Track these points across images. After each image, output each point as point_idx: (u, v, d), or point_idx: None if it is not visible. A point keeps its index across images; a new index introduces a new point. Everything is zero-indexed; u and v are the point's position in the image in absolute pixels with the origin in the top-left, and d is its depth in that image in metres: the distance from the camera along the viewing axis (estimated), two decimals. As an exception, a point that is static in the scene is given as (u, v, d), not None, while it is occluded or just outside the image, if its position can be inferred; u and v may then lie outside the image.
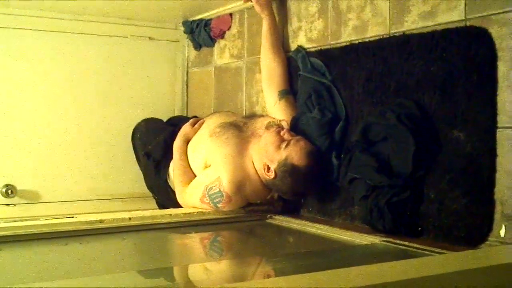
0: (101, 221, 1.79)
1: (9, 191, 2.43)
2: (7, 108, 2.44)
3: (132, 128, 2.54)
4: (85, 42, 2.57)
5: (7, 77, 2.45)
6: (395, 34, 1.68)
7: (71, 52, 2.55)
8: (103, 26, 2.60)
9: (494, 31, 1.42)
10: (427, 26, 1.58)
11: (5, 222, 1.77)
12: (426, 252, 1.43)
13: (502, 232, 1.41)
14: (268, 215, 2.01)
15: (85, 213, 2.31)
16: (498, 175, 1.42)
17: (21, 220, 1.80)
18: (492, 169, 1.42)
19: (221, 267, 1.49)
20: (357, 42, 1.81)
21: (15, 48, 2.45)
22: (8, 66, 2.45)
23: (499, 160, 1.41)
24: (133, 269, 1.46)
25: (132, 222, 1.85)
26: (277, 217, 1.99)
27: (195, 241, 1.87)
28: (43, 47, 2.50)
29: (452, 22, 1.51)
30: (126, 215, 1.87)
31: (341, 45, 1.87)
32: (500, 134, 1.41)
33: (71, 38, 2.54)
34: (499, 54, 1.41)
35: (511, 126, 1.39)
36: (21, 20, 2.44)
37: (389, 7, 1.69)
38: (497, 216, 1.42)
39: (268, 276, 1.32)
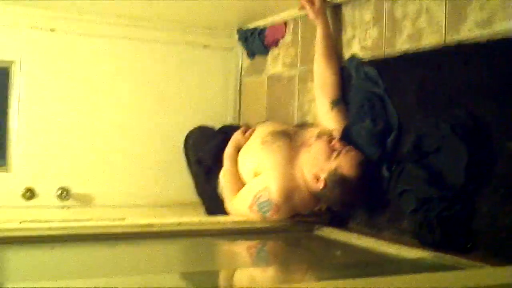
0: (151, 225, 1.82)
1: (64, 193, 2.49)
2: (66, 114, 2.51)
3: (185, 135, 2.57)
4: (142, 49, 2.63)
5: (67, 82, 2.52)
6: (451, 43, 1.64)
7: (128, 58, 2.61)
8: (160, 33, 2.66)
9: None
10: (484, 35, 1.54)
11: (59, 222, 1.82)
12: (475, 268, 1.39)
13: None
14: (316, 227, 1.98)
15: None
16: (555, 190, 1.36)
17: (74, 221, 1.85)
18: (549, 184, 1.37)
19: (264, 274, 1.48)
20: (411, 51, 1.77)
21: (74, 54, 2.52)
22: (69, 71, 2.52)
23: (557, 175, 1.36)
24: (178, 271, 1.47)
25: (181, 228, 1.86)
26: (324, 228, 1.96)
27: (241, 248, 1.87)
28: (102, 54, 2.57)
29: (509, 30, 1.46)
30: (175, 220, 1.89)
31: (396, 53, 1.84)
32: (558, 148, 1.36)
33: (128, 44, 2.61)
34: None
35: None
36: (81, 25, 2.51)
37: (445, 15, 1.65)
38: (553, 233, 1.36)
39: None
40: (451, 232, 1.56)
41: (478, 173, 1.52)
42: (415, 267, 1.53)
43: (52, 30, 2.50)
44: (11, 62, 2.47)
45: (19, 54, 2.47)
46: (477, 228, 1.53)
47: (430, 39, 1.71)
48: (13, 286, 1.22)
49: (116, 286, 1.16)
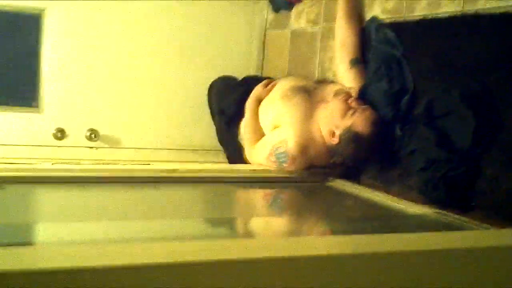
0: (174, 171, 1.94)
1: (93, 135, 2.61)
2: (96, 60, 2.61)
3: (209, 84, 2.68)
4: (170, 3, 2.70)
5: (97, 32, 2.61)
6: (468, 12, 1.70)
7: (156, 11, 2.68)
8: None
9: None
10: (501, 7, 1.60)
11: (89, 165, 1.96)
12: (474, 227, 1.49)
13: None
14: (329, 178, 2.09)
15: (160, 161, 2.51)
16: (554, 159, 1.45)
17: (103, 164, 1.99)
18: (549, 152, 1.46)
19: (277, 222, 1.60)
20: (430, 16, 1.84)
21: (104, 5, 2.60)
22: (99, 22, 2.61)
23: (556, 144, 1.44)
24: (198, 216, 1.60)
25: (202, 174, 1.98)
26: (337, 180, 2.07)
27: (258, 196, 2.00)
28: (128, 6, 2.64)
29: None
30: (198, 166, 2.02)
31: (415, 18, 1.91)
32: (560, 119, 1.44)
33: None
34: None
35: None
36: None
37: (464, -15, 1.71)
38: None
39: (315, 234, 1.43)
40: (455, 191, 1.67)
41: (484, 139, 1.61)
42: (419, 222, 1.64)
43: (83, -20, 2.57)
44: (43, 9, 2.56)
45: (51, 1, 2.55)
46: (479, 189, 1.63)
47: (448, 7, 1.77)
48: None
49: (140, 229, 1.29)
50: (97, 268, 0.74)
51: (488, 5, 1.64)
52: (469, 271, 1.10)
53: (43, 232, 1.34)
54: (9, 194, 1.61)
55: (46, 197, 1.72)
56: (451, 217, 1.59)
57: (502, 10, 1.59)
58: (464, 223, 1.55)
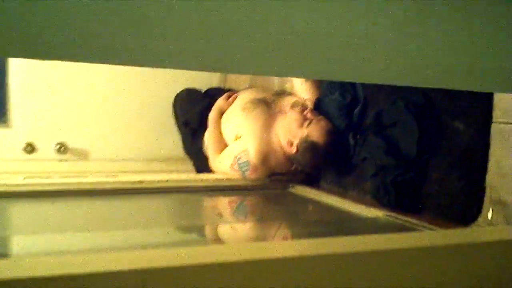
0: (141, 182, 2.04)
1: (62, 148, 2.70)
2: (63, 74, 2.69)
3: (174, 96, 2.78)
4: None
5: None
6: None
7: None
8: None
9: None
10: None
11: (59, 178, 2.04)
12: (421, 228, 1.62)
13: (489, 215, 1.58)
14: (290, 185, 2.21)
15: (128, 172, 2.59)
16: (489, 164, 1.58)
17: (72, 176, 2.07)
18: (485, 158, 1.59)
19: (241, 227, 1.71)
20: (378, 32, 1.97)
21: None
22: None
23: (491, 151, 1.58)
24: (165, 225, 1.70)
25: (169, 184, 2.08)
26: (298, 187, 2.19)
27: (223, 204, 2.10)
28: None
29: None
30: (164, 177, 2.11)
31: (364, 34, 2.04)
32: (494, 128, 1.57)
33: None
34: (498, 55, 1.56)
35: (503, 121, 1.55)
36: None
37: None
38: (486, 199, 1.60)
39: (277, 238, 1.54)
40: (404, 195, 1.80)
41: (428, 146, 1.74)
42: (371, 225, 1.77)
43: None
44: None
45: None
46: (426, 192, 1.76)
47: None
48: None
49: (109, 239, 1.39)
50: (64, 275, 0.83)
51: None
52: (414, 269, 1.22)
53: (15, 244, 1.42)
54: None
55: (18, 211, 1.80)
56: (401, 219, 1.72)
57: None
58: (413, 225, 1.68)
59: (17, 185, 1.89)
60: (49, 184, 1.92)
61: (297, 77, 2.01)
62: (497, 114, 1.57)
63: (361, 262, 1.16)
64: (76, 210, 1.83)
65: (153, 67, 0.54)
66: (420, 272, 1.20)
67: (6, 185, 1.87)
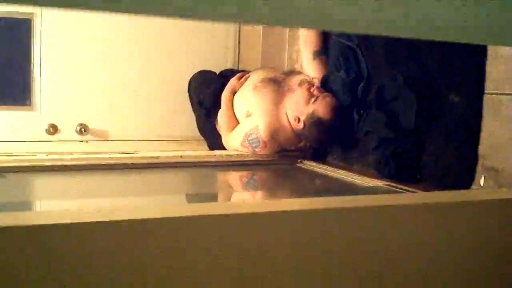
0: (157, 157, 2.16)
1: (83, 129, 2.82)
2: (84, 59, 2.82)
3: (189, 78, 2.89)
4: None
5: (85, 32, 2.82)
6: (411, 7, 1.92)
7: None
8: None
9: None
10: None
11: (79, 154, 2.17)
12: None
13: (482, 182, 1.68)
14: (298, 160, 2.32)
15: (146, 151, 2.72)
16: (482, 134, 1.68)
17: (92, 153, 2.20)
18: (478, 129, 1.68)
19: (251, 196, 1.83)
20: (379, 12, 2.06)
21: (90, 13, 2.81)
22: (86, 22, 2.82)
23: (484, 122, 1.67)
24: (179, 193, 1.82)
25: (182, 160, 2.20)
26: (306, 162, 2.30)
27: (234, 177, 2.22)
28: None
29: None
30: (177, 153, 2.23)
31: (367, 14, 2.12)
32: (486, 99, 1.66)
33: None
34: (490, 30, 1.64)
35: (495, 92, 1.64)
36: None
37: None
38: (479, 168, 1.69)
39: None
40: (402, 166, 1.90)
41: (426, 119, 1.84)
42: (372, 192, 1.87)
43: (70, -17, 2.78)
44: (33, 14, 2.76)
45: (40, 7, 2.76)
46: (424, 163, 1.86)
47: (394, 3, 1.99)
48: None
49: (128, 204, 1.51)
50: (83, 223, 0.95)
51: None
52: (401, 225, 1.31)
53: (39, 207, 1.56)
54: (10, 181, 1.82)
55: (43, 183, 1.94)
56: (399, 188, 1.82)
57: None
58: (409, 193, 1.78)
59: (41, 159, 2.02)
60: (70, 160, 2.05)
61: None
62: (489, 85, 1.66)
63: (354, 216, 1.26)
64: (96, 182, 1.96)
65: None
66: (404, 228, 1.30)
67: (31, 160, 2.01)
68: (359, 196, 1.37)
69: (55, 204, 1.50)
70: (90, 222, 0.96)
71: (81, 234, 0.94)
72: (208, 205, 1.23)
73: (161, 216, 1.01)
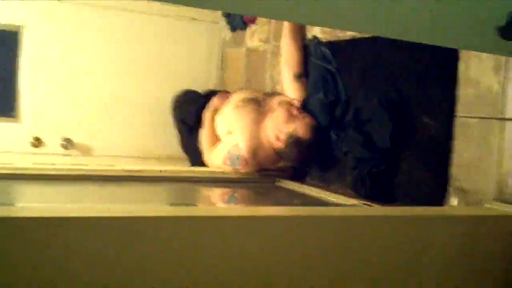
0: (137, 171, 2.20)
1: (67, 143, 2.87)
2: (68, 73, 2.87)
3: (173, 97, 2.95)
4: (136, 19, 2.98)
5: (70, 46, 2.88)
6: (388, 33, 2.00)
7: (125, 28, 2.96)
8: (152, 5, 3.00)
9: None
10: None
11: (63, 165, 2.21)
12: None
13: (456, 201, 1.74)
14: (278, 179, 2.38)
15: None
16: (453, 155, 1.74)
17: (75, 166, 2.24)
18: (449, 150, 1.75)
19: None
20: (358, 36, 2.14)
21: (76, 21, 2.87)
22: (71, 36, 2.88)
23: (455, 143, 1.74)
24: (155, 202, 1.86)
25: (163, 174, 2.25)
26: (285, 181, 2.36)
27: (214, 193, 2.26)
28: (101, 22, 2.91)
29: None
30: (158, 167, 2.28)
31: (346, 38, 2.21)
32: (457, 122, 1.73)
33: (125, 15, 2.95)
34: (460, 55, 1.72)
35: (465, 115, 1.71)
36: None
37: (383, 11, 2.01)
38: (450, 188, 1.75)
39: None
40: (378, 185, 1.96)
41: (400, 140, 1.90)
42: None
43: (58, -1, 2.85)
44: (21, 26, 2.81)
45: (28, 19, 2.81)
46: (398, 183, 1.92)
47: (372, 28, 2.07)
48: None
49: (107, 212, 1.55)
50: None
51: (403, 27, 1.93)
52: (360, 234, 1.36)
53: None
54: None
55: (26, 189, 1.97)
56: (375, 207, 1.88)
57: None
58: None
59: (26, 168, 2.06)
60: (53, 169, 2.09)
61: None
62: (459, 109, 1.73)
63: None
64: (77, 191, 2.00)
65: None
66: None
67: (16, 168, 2.05)
68: (331, 207, 1.42)
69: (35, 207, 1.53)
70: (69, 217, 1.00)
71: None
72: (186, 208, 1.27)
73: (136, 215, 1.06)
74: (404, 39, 0.86)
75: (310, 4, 0.66)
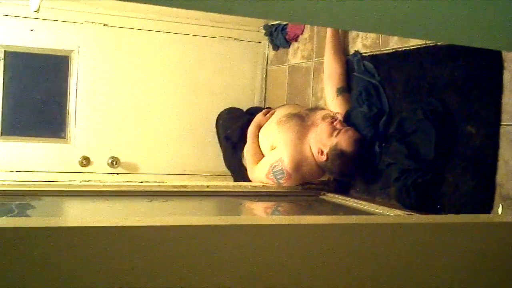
0: (184, 186, 2.24)
1: (114, 162, 2.94)
2: (116, 95, 2.96)
3: (217, 115, 3.01)
4: (182, 41, 3.05)
5: (117, 69, 2.97)
6: (430, 44, 2.01)
7: (171, 49, 3.03)
8: (197, 28, 3.07)
9: (502, 45, 1.73)
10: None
11: (111, 182, 2.27)
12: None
13: (500, 210, 1.72)
14: (322, 192, 2.39)
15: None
16: (499, 164, 1.73)
17: (123, 182, 2.30)
18: (495, 159, 1.74)
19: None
20: (400, 49, 2.15)
21: (123, 45, 2.96)
22: (119, 59, 2.97)
23: (501, 152, 1.73)
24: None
25: (209, 189, 2.28)
26: (329, 194, 2.36)
27: (258, 207, 2.28)
28: (147, 45, 3.00)
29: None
30: (204, 183, 2.32)
31: (389, 51, 2.22)
32: (502, 130, 1.72)
33: (171, 37, 3.03)
34: (505, 64, 1.72)
35: (510, 123, 1.70)
36: (130, 21, 2.96)
37: (425, 22, 2.02)
38: (497, 197, 1.74)
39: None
40: (423, 196, 1.95)
41: (445, 150, 1.90)
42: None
43: (105, 24, 2.94)
44: (71, 51, 2.92)
45: (77, 44, 2.91)
46: (444, 193, 1.91)
47: (415, 41, 2.08)
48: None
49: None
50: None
51: (445, 38, 1.94)
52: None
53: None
54: (45, 203, 1.92)
55: (75, 206, 2.04)
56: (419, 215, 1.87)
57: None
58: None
59: (74, 185, 2.12)
60: (102, 186, 2.14)
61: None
62: (504, 117, 1.72)
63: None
64: (126, 207, 2.05)
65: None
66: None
67: (65, 185, 2.11)
68: (373, 216, 1.43)
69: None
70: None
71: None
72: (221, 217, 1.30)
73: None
74: (425, 38, 0.87)
75: (313, 4, 0.68)
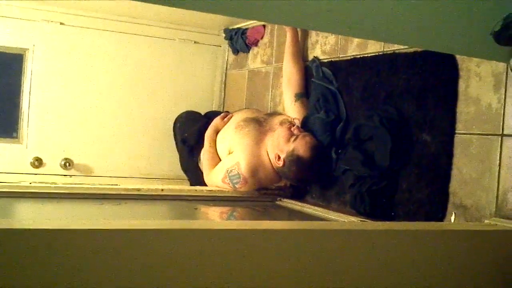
0: (138, 189, 2.20)
1: (67, 164, 2.87)
2: (71, 95, 2.89)
3: (175, 118, 2.97)
4: (140, 43, 3.01)
5: (73, 68, 2.90)
6: (387, 52, 2.02)
7: (127, 50, 2.99)
8: (156, 29, 3.03)
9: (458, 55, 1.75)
10: (412, 47, 1.92)
11: (62, 184, 2.21)
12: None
13: (452, 218, 1.73)
14: (278, 198, 2.37)
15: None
16: (452, 172, 1.74)
17: (75, 184, 2.24)
18: (449, 167, 1.75)
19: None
20: (359, 56, 2.16)
21: (79, 45, 2.90)
22: (74, 59, 2.90)
23: (454, 160, 1.74)
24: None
25: (163, 193, 2.24)
26: (285, 200, 2.35)
27: (213, 211, 2.25)
28: (105, 45, 2.94)
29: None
30: (159, 186, 2.28)
31: (347, 58, 2.23)
32: (457, 139, 1.74)
33: (128, 38, 2.98)
34: (461, 73, 1.73)
35: (465, 132, 1.71)
36: (87, 20, 2.90)
37: (383, 30, 2.03)
38: (449, 205, 1.75)
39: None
40: (378, 202, 1.96)
41: (400, 157, 1.91)
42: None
43: (61, 23, 2.88)
44: (26, 49, 2.84)
45: (32, 42, 2.84)
46: (398, 200, 1.92)
47: (373, 48, 2.09)
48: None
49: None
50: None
51: (402, 46, 1.95)
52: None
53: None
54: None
55: (24, 208, 1.97)
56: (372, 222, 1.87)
57: (412, 50, 1.91)
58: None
59: (24, 187, 2.06)
60: (52, 188, 2.09)
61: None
62: (459, 126, 1.73)
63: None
64: (76, 209, 1.99)
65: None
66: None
67: (15, 186, 2.05)
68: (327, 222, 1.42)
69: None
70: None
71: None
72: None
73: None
74: (399, 43, 0.87)
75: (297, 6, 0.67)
